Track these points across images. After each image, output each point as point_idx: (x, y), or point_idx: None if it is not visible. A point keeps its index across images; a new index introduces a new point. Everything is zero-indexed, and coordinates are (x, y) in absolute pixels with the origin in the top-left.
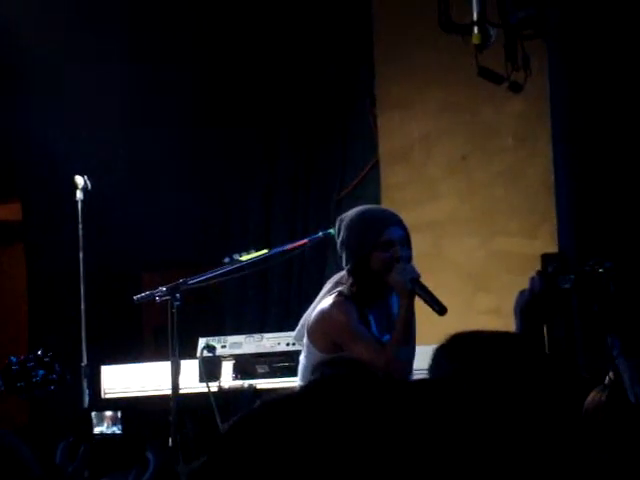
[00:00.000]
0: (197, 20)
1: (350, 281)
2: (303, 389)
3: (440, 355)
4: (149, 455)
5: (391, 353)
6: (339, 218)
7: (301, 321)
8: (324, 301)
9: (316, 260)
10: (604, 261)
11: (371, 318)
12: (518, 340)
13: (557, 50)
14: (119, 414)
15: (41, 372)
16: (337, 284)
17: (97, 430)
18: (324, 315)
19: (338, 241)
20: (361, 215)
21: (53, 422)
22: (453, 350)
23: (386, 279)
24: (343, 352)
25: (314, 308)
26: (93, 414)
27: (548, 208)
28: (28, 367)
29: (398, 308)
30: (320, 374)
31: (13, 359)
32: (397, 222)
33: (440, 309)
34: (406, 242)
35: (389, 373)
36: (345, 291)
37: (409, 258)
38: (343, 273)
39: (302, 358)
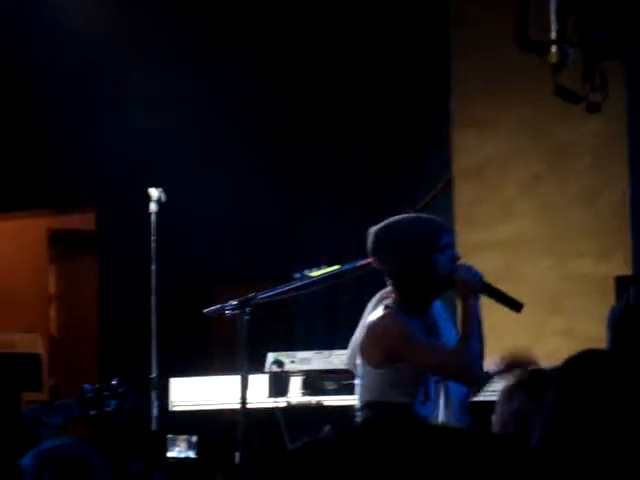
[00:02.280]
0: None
1: (397, 293)
2: (347, 434)
3: (569, 368)
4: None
5: (464, 351)
6: (371, 232)
7: (350, 344)
8: (371, 317)
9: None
10: None
11: (415, 328)
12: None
13: (635, 71)
14: (194, 438)
15: (114, 402)
16: (381, 300)
17: (170, 454)
18: (376, 328)
19: (383, 254)
20: (415, 222)
21: (119, 437)
22: (583, 367)
23: (449, 280)
24: (400, 364)
25: (362, 329)
26: (168, 437)
27: (623, 230)
28: (102, 396)
29: (440, 315)
30: (364, 418)
31: (88, 387)
32: (449, 227)
33: (516, 305)
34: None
35: (463, 372)
36: (391, 304)
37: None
38: (385, 290)
39: (358, 380)
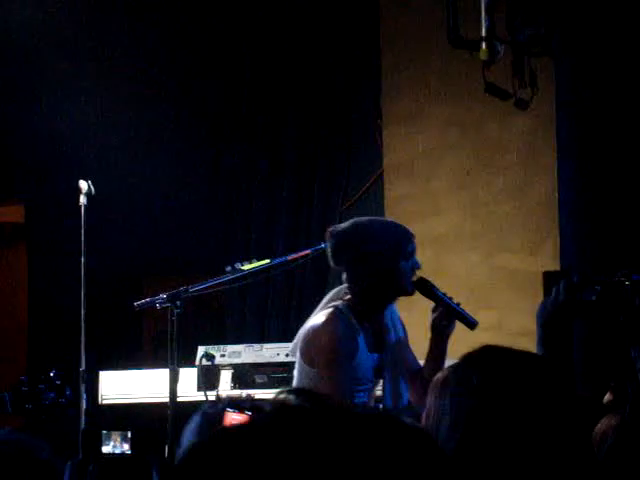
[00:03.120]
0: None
1: (353, 297)
2: (257, 421)
3: (467, 363)
4: (154, 473)
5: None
6: (336, 231)
7: (297, 335)
8: (317, 317)
9: (318, 272)
10: (631, 274)
11: (361, 337)
12: (546, 363)
13: (564, 68)
14: (129, 434)
15: (51, 395)
16: (333, 299)
17: (105, 449)
18: (314, 332)
19: (345, 257)
20: (382, 227)
21: (49, 433)
22: (482, 361)
23: (409, 289)
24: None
25: (309, 321)
26: (103, 433)
27: (552, 225)
28: (38, 389)
29: (391, 317)
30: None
31: (24, 378)
32: (413, 234)
33: (470, 324)
34: None
35: None
36: (341, 306)
37: None
38: (342, 287)
39: (295, 372)
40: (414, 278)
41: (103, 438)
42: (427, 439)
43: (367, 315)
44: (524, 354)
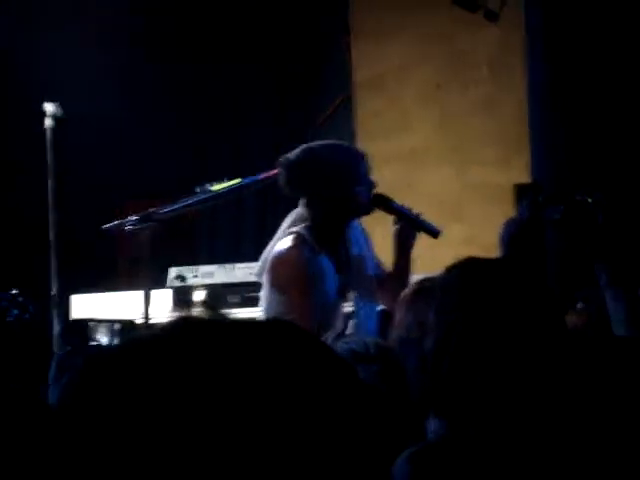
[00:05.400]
0: None
1: (311, 222)
2: (160, 334)
3: (452, 275)
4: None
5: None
6: (287, 160)
7: (261, 257)
8: (281, 243)
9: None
10: (593, 192)
11: (325, 260)
12: (522, 269)
13: None
14: (117, 326)
15: (15, 312)
16: (295, 223)
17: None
18: (279, 259)
19: (298, 184)
20: (333, 151)
21: (21, 356)
22: (465, 273)
23: (367, 209)
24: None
25: (272, 246)
26: (90, 325)
27: (522, 138)
28: (1, 306)
29: (357, 241)
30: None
31: None
32: (364, 154)
33: (433, 233)
34: None
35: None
36: (303, 232)
37: None
38: (298, 211)
39: (261, 297)
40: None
41: (89, 332)
42: (324, 350)
43: (328, 239)
44: (504, 262)
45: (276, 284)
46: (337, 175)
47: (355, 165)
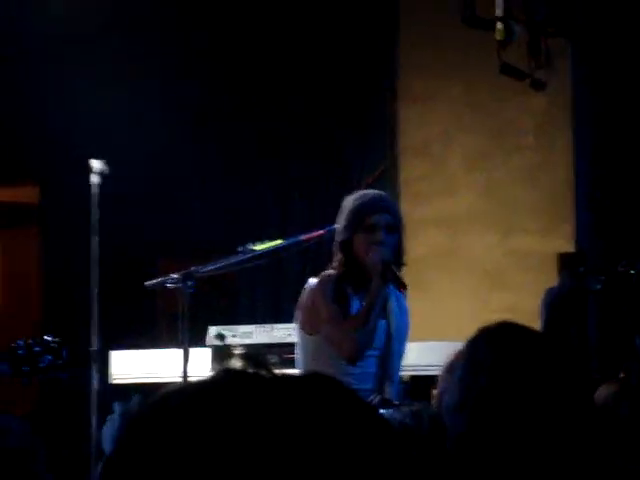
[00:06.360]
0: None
1: (337, 262)
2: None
3: (481, 338)
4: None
5: (346, 332)
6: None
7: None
8: (310, 282)
9: (332, 253)
10: (635, 263)
11: (355, 302)
12: (559, 343)
13: (580, 48)
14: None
15: (48, 357)
16: (328, 267)
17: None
18: (306, 294)
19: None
20: (354, 199)
21: (61, 409)
22: (496, 337)
23: (364, 261)
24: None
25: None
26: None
27: (567, 208)
28: (35, 351)
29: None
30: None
31: (20, 342)
32: (385, 208)
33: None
34: (393, 229)
35: (343, 344)
36: (330, 272)
37: (392, 244)
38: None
39: (297, 344)
40: (373, 252)
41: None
42: (368, 410)
43: (352, 281)
44: (540, 334)
45: (304, 324)
46: (345, 218)
47: (362, 213)
